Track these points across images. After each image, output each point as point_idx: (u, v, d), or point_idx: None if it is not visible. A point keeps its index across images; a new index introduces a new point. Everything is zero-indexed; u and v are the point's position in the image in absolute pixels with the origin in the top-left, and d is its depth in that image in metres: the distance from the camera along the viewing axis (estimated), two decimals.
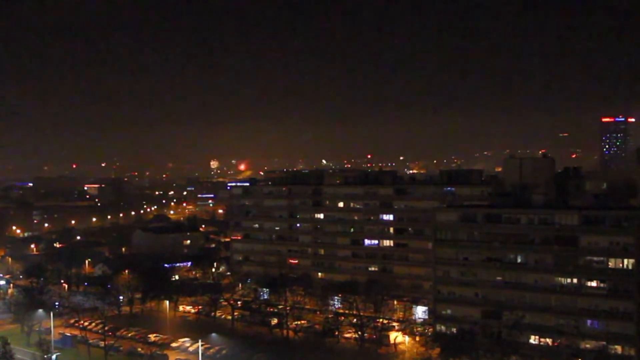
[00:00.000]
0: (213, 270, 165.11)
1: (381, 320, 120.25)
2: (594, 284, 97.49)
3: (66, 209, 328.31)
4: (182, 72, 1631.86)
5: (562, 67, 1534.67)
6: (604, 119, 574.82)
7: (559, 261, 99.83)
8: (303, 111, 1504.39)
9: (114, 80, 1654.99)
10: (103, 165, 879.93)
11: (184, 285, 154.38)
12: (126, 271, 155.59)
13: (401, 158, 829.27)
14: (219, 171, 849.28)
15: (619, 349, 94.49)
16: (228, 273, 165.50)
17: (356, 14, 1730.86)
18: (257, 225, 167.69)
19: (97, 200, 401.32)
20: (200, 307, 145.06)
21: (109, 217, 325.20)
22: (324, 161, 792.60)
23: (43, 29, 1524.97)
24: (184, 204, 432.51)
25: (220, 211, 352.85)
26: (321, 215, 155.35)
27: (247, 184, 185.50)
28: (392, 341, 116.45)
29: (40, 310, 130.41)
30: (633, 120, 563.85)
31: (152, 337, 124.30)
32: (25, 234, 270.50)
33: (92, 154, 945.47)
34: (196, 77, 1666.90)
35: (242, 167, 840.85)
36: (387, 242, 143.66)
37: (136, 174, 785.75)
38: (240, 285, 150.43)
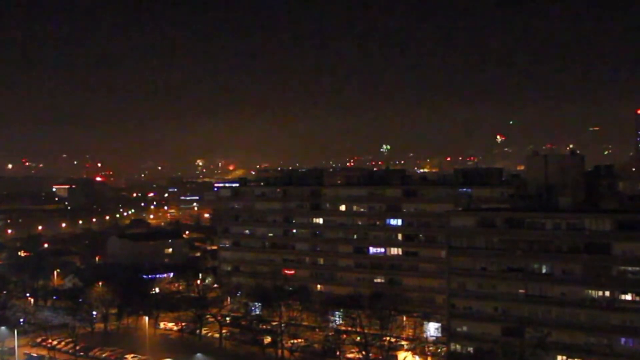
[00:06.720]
0: (198, 282, 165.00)
1: (388, 338, 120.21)
2: (628, 297, 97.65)
3: (32, 213, 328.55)
4: (164, 60, 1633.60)
5: (592, 54, 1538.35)
6: None
7: (589, 272, 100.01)
8: (300, 104, 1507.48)
9: (86, 69, 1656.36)
10: (74, 163, 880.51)
11: (165, 299, 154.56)
12: (100, 283, 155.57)
13: (410, 155, 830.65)
14: (204, 170, 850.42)
15: None
16: (215, 285, 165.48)
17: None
18: (248, 231, 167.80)
19: (67, 203, 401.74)
20: (183, 323, 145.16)
21: (80, 222, 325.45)
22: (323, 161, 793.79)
23: (7, 15, 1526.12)
24: (166, 208, 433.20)
25: (207, 215, 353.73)
26: (320, 220, 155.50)
27: (237, 185, 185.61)
28: None
29: (3, 328, 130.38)
30: None
31: (130, 357, 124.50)
32: None
33: (62, 151, 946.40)
34: (180, 65, 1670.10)
35: (230, 166, 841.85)
36: (394, 250, 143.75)
37: (111, 173, 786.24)
38: (229, 299, 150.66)
